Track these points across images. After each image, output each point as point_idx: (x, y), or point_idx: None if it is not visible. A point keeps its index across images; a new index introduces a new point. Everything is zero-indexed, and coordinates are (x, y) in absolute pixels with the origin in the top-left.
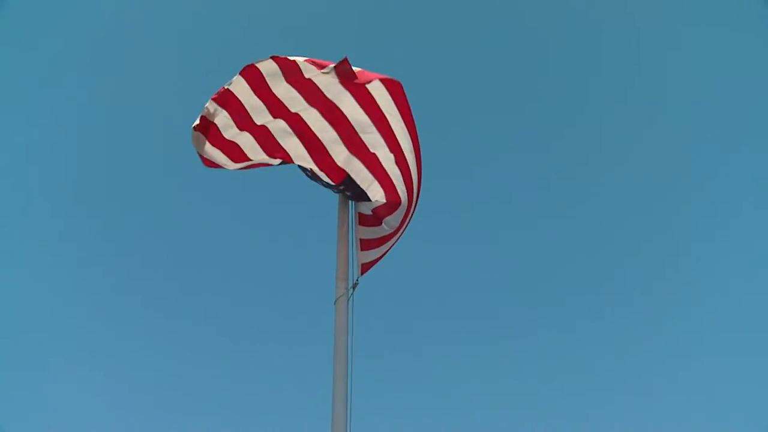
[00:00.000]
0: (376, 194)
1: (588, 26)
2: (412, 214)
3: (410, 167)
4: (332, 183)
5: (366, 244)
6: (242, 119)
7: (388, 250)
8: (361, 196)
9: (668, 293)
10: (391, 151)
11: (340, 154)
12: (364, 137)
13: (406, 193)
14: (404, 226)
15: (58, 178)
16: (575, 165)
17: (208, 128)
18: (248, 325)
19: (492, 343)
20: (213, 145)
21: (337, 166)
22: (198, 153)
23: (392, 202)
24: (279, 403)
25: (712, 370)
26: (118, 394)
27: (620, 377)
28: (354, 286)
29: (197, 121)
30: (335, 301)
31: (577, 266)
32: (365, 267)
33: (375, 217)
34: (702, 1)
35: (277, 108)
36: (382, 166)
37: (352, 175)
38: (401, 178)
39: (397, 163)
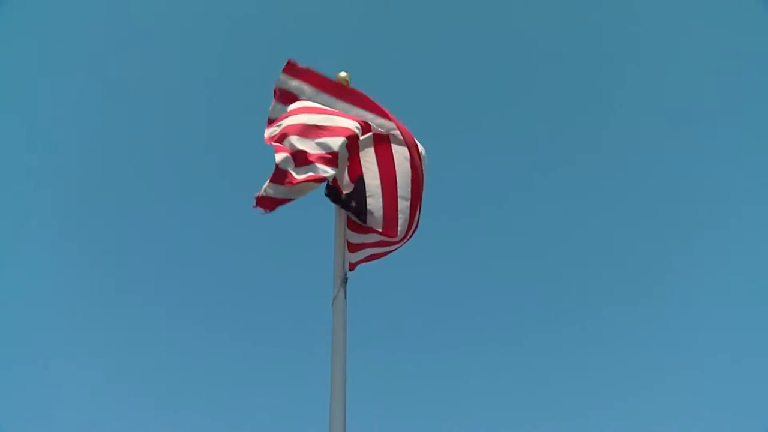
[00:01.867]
0: (374, 215)
1: (589, 26)
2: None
3: (417, 209)
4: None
5: (352, 247)
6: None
7: (377, 257)
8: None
9: (668, 293)
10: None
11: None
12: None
13: (404, 232)
14: (395, 246)
15: (58, 178)
16: (576, 165)
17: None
18: (246, 326)
19: (491, 342)
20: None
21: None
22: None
23: (385, 234)
24: (277, 403)
25: (712, 370)
26: (118, 394)
27: (620, 377)
28: (344, 282)
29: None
30: (333, 301)
31: (576, 267)
32: (353, 266)
33: (363, 228)
34: (702, 2)
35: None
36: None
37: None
38: (408, 219)
39: (411, 199)
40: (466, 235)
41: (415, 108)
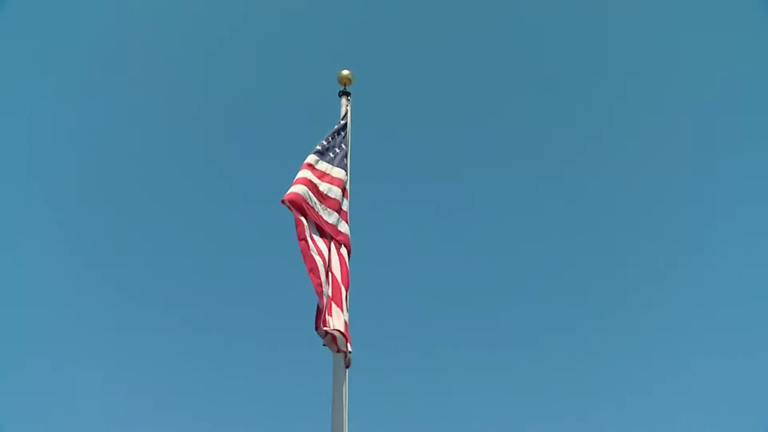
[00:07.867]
0: None
1: (588, 27)
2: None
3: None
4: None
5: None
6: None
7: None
8: None
9: (667, 293)
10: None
11: None
12: None
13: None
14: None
15: (58, 178)
16: (576, 166)
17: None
18: (247, 324)
19: (491, 341)
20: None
21: None
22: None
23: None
24: (278, 401)
25: (712, 370)
26: (118, 394)
27: (619, 377)
28: None
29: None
30: None
31: (576, 267)
32: None
33: None
34: (702, 3)
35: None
36: None
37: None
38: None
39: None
40: (466, 236)
41: (415, 107)
